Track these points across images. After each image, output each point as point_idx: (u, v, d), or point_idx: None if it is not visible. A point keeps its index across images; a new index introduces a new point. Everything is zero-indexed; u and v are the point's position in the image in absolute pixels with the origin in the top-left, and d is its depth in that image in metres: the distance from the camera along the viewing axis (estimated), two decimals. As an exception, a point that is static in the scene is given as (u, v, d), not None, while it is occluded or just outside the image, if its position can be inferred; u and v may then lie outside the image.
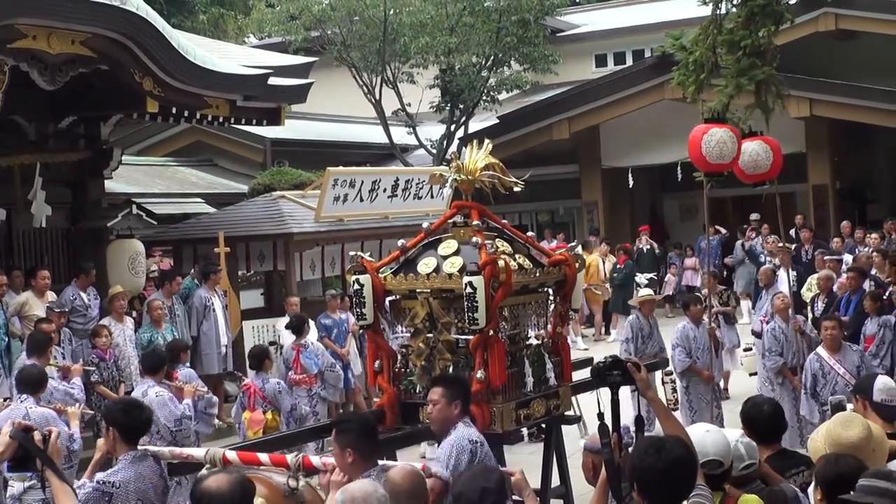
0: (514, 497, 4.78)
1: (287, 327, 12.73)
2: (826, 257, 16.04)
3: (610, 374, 5.21)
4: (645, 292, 13.44)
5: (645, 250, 22.11)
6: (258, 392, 10.34)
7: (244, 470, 5.18)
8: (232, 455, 5.56)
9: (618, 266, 20.49)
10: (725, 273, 20.93)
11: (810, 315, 14.00)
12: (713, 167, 10.52)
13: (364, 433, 5.25)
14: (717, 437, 4.85)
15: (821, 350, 9.94)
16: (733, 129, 10.61)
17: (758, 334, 13.52)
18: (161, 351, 10.42)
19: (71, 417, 8.84)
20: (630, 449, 4.77)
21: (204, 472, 5.38)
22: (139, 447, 5.89)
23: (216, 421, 11.80)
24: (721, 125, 10.57)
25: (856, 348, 10.17)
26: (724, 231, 21.93)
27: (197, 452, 5.74)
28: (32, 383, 8.73)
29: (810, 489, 4.77)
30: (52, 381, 9.70)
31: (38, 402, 8.71)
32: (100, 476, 5.70)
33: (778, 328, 11.11)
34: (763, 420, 5.71)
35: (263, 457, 5.57)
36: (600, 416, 5.06)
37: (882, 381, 6.18)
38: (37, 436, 4.33)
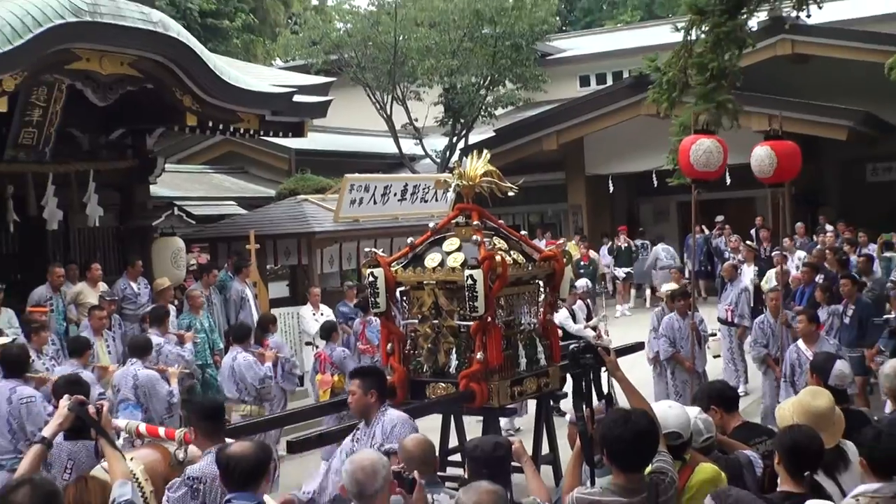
0: (514, 463, 4.79)
1: (356, 306, 13.05)
2: (774, 253, 16.03)
3: (583, 357, 5.23)
4: (669, 287, 13.01)
5: (623, 248, 22.07)
6: (327, 359, 10.90)
7: (150, 440, 5.18)
8: (142, 427, 5.59)
9: (582, 263, 20.41)
10: (710, 268, 20.84)
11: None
12: (699, 174, 10.31)
13: (202, 415, 5.15)
14: (678, 412, 4.85)
15: (800, 343, 9.42)
16: (721, 140, 10.41)
17: (723, 321, 13.49)
18: (248, 324, 11.42)
19: (171, 377, 9.35)
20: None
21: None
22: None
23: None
24: (709, 136, 10.38)
25: (832, 341, 9.57)
26: (707, 231, 21.81)
27: (120, 423, 5.73)
28: (140, 349, 9.40)
29: None
30: (168, 345, 10.58)
31: (145, 364, 9.27)
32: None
33: (766, 322, 10.87)
34: (727, 391, 5.80)
35: (162, 431, 5.54)
36: (576, 392, 5.07)
37: (838, 368, 6.15)
38: (91, 409, 4.33)
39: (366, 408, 6.06)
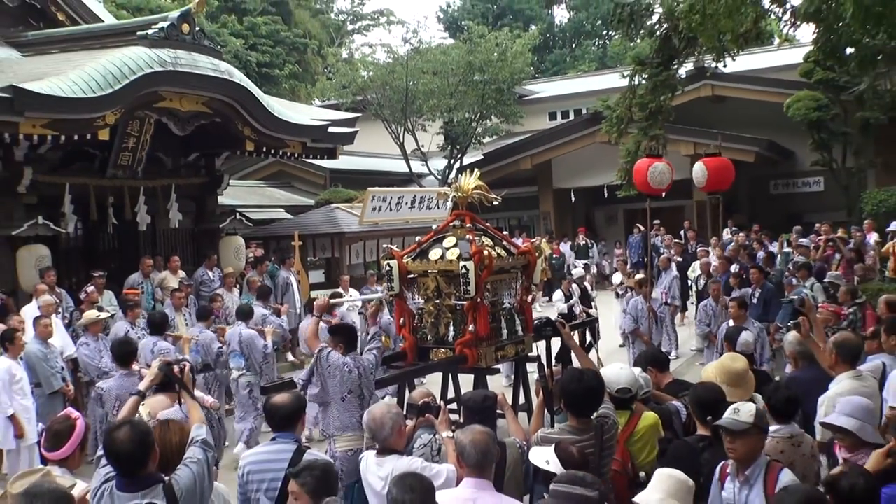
0: (498, 411, 4.82)
1: None
2: (698, 248, 16.08)
3: (544, 329, 5.25)
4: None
5: (581, 244, 22.07)
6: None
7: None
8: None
9: (554, 256, 20.38)
10: (645, 259, 20.73)
11: (694, 288, 13.87)
12: (653, 190, 10.33)
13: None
14: (627, 372, 4.87)
15: (731, 322, 8.83)
16: (669, 163, 10.42)
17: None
18: (316, 298, 11.17)
19: (266, 335, 9.38)
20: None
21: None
22: (134, 367, 6.26)
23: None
24: (661, 160, 10.39)
25: (756, 325, 8.93)
26: (643, 229, 21.71)
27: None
28: (245, 314, 9.51)
29: None
30: (272, 316, 10.45)
31: (248, 325, 9.35)
32: (98, 383, 6.19)
33: (709, 305, 10.63)
34: (659, 356, 5.84)
35: None
36: (537, 357, 5.09)
37: (743, 337, 6.23)
38: (175, 368, 4.34)
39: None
